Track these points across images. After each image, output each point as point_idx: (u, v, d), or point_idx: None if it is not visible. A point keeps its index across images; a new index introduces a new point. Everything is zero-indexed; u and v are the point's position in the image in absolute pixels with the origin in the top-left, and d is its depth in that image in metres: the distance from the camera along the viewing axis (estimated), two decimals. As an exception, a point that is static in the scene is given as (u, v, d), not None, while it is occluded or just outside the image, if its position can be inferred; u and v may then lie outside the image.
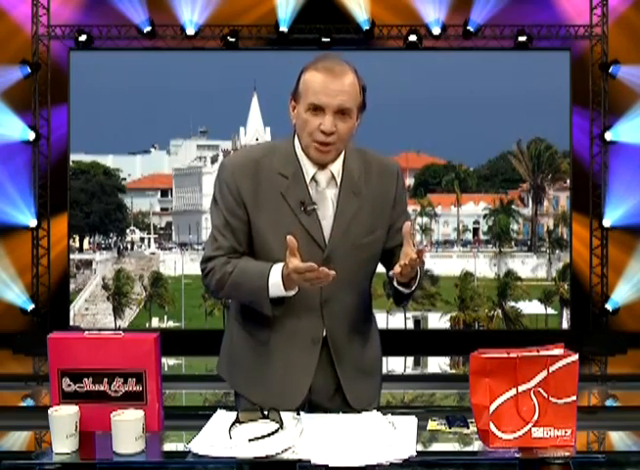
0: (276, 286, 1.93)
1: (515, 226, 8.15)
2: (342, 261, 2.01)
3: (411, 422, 1.90)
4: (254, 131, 8.15)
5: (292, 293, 1.94)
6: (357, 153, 2.09)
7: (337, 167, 2.04)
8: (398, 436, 1.81)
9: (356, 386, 2.12)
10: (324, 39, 6.32)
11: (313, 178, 2.02)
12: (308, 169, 2.02)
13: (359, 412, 1.97)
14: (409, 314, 7.89)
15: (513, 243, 8.10)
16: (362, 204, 2.03)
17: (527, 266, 7.88)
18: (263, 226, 1.99)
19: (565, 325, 7.22)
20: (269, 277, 1.93)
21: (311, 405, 2.13)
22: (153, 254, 8.27)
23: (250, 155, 2.08)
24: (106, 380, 1.87)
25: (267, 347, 2.09)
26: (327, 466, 1.66)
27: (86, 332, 1.91)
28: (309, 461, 1.68)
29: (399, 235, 1.99)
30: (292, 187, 2.00)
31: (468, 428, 1.89)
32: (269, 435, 1.79)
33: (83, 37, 6.38)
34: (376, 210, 2.05)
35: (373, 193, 2.06)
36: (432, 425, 1.94)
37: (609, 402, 5.62)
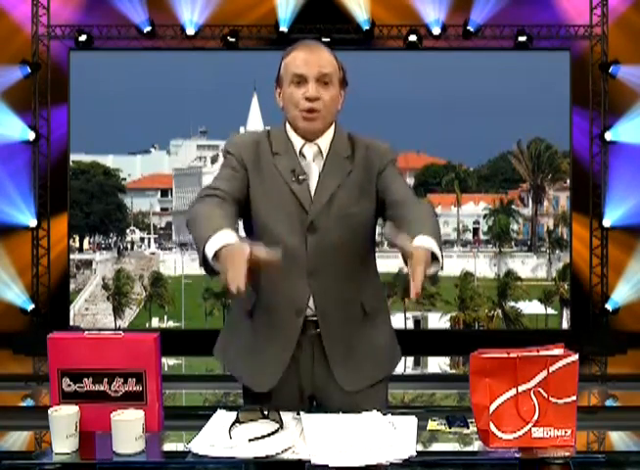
0: (211, 246, 1.77)
1: (515, 226, 8.15)
2: (327, 230, 2.07)
3: (411, 422, 1.90)
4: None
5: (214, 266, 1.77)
6: (346, 136, 2.17)
7: (324, 143, 2.13)
8: (398, 436, 1.81)
9: (349, 370, 2.12)
10: (324, 39, 6.30)
11: (301, 152, 2.12)
12: (296, 144, 2.12)
13: (359, 412, 1.97)
14: (409, 314, 7.89)
15: (513, 243, 8.09)
16: (346, 179, 2.10)
17: (527, 266, 7.87)
18: (257, 195, 2.09)
19: (565, 325, 7.21)
20: (215, 235, 1.78)
21: (316, 400, 2.15)
22: (153, 254, 8.26)
23: (251, 136, 2.22)
24: (106, 380, 1.87)
25: (252, 319, 2.14)
26: (327, 466, 1.66)
27: (86, 332, 1.91)
28: (309, 461, 1.68)
29: (391, 187, 2.09)
30: (283, 160, 2.10)
31: (468, 428, 1.89)
32: (269, 435, 1.79)
33: (83, 37, 6.38)
34: (361, 183, 2.12)
35: (358, 169, 2.12)
36: (432, 425, 1.94)
37: (609, 402, 5.62)
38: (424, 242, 1.80)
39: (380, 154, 2.15)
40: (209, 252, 1.75)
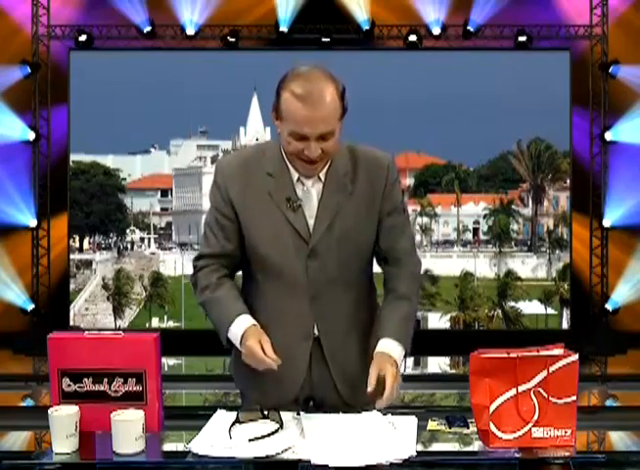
0: (234, 335, 2.01)
1: (515, 226, 8.14)
2: (327, 255, 2.04)
3: (411, 422, 1.90)
4: (254, 131, 8.14)
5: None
6: (346, 150, 2.08)
7: (323, 171, 2.05)
8: (398, 436, 1.81)
9: (351, 385, 2.11)
10: (324, 39, 6.32)
11: (299, 179, 2.05)
12: (293, 172, 2.05)
13: (359, 412, 1.97)
14: (409, 314, 7.89)
15: (513, 243, 8.09)
16: (348, 199, 2.05)
17: (527, 266, 7.87)
18: (251, 224, 2.04)
19: (565, 325, 7.21)
20: (232, 325, 2.02)
21: (314, 403, 2.14)
22: (153, 254, 8.26)
23: (241, 156, 2.15)
24: (106, 380, 1.87)
25: None
26: (327, 466, 1.66)
27: (86, 332, 1.91)
28: (309, 461, 1.68)
29: (390, 235, 2.08)
30: (278, 185, 2.03)
31: (468, 428, 1.89)
32: (269, 435, 1.79)
33: (83, 37, 6.38)
34: (363, 204, 2.06)
35: (360, 188, 2.06)
36: (432, 425, 1.94)
37: (609, 402, 5.61)
38: (386, 347, 2.02)
39: (382, 172, 2.07)
40: (235, 340, 2.01)
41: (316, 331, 2.08)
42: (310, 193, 2.05)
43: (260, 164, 2.05)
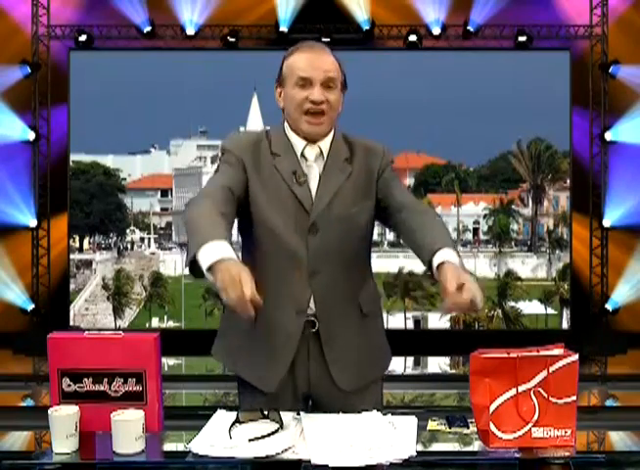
0: (205, 257, 1.75)
1: (515, 226, 8.14)
2: (327, 232, 2.08)
3: (411, 422, 1.90)
4: (254, 131, 8.14)
5: (207, 276, 1.75)
6: (344, 137, 2.18)
7: (325, 145, 2.13)
8: (398, 436, 1.81)
9: (344, 368, 2.12)
10: (324, 39, 6.30)
11: (302, 154, 2.12)
12: (297, 145, 2.12)
13: (359, 411, 1.97)
14: (409, 314, 7.89)
15: (513, 243, 8.09)
16: (347, 181, 2.11)
17: (527, 266, 7.87)
18: (257, 189, 2.07)
19: (565, 325, 7.21)
20: (205, 245, 1.76)
21: (312, 401, 2.15)
22: (153, 254, 8.26)
23: (250, 136, 2.21)
24: (106, 380, 1.87)
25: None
26: (327, 466, 1.66)
27: (86, 332, 1.91)
28: (309, 461, 1.68)
29: (390, 184, 2.14)
30: (284, 161, 2.10)
31: (468, 428, 1.89)
32: (269, 435, 1.79)
33: (83, 37, 6.38)
34: (361, 185, 2.13)
35: (358, 171, 2.13)
36: (432, 425, 1.94)
37: (609, 402, 5.61)
38: (448, 257, 1.89)
39: (378, 156, 2.17)
40: (204, 261, 1.73)
41: (312, 307, 2.09)
42: (313, 169, 2.11)
43: (266, 146, 2.13)
